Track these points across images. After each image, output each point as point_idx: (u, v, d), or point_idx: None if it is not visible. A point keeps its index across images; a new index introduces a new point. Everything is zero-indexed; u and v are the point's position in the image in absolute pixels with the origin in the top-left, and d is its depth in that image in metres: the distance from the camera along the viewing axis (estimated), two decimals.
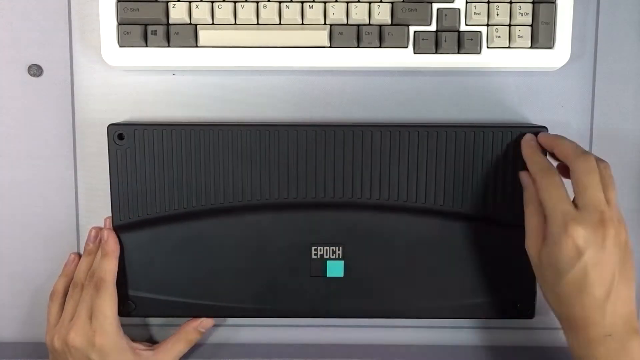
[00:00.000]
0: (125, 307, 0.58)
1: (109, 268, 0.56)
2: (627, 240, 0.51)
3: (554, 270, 0.50)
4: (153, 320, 0.62)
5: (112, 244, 0.57)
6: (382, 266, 0.58)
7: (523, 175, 0.55)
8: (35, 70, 0.59)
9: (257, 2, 0.55)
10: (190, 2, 0.55)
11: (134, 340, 0.58)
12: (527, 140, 0.55)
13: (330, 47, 0.56)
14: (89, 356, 0.54)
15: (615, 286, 0.49)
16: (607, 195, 0.50)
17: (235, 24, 0.56)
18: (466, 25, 0.56)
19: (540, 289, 0.53)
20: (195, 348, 0.61)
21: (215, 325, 0.62)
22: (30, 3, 0.58)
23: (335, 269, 0.58)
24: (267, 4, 0.55)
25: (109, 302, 0.55)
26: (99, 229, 0.59)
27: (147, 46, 0.56)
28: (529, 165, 0.54)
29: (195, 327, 0.59)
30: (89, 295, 0.55)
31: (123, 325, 0.61)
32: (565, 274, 0.49)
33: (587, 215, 0.49)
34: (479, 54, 0.56)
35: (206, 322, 0.59)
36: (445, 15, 0.55)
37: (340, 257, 0.58)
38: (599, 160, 0.51)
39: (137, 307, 0.58)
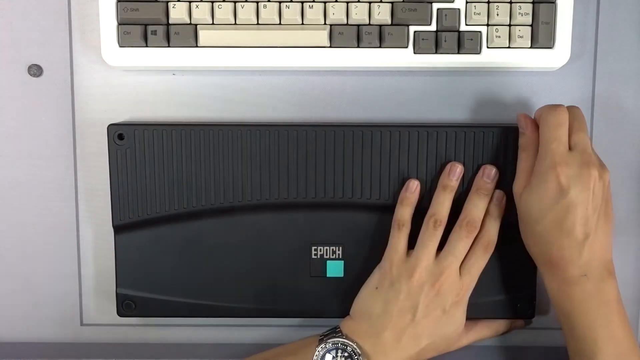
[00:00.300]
0: (125, 307, 0.58)
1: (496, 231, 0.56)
2: (609, 186, 0.52)
3: (536, 208, 0.51)
4: (153, 320, 0.62)
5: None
6: None
7: (521, 117, 0.55)
8: (35, 70, 0.59)
9: (257, 2, 0.55)
10: (190, 2, 0.55)
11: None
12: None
13: (330, 47, 0.56)
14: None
15: (594, 229, 0.51)
16: None
17: (235, 24, 0.56)
18: (466, 25, 0.56)
19: (521, 234, 0.54)
20: (194, 348, 0.61)
21: (216, 325, 0.62)
22: (30, 3, 0.58)
23: (335, 269, 0.58)
24: (267, 4, 0.55)
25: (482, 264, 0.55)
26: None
27: (147, 46, 0.56)
28: (540, 108, 0.54)
29: None
30: (468, 249, 0.55)
31: (123, 325, 0.62)
32: (547, 212, 0.51)
33: (576, 156, 0.51)
34: (479, 54, 0.56)
35: None
36: (445, 15, 0.55)
37: (340, 257, 0.58)
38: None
39: (137, 307, 0.58)
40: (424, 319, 0.53)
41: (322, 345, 0.53)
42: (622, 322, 0.52)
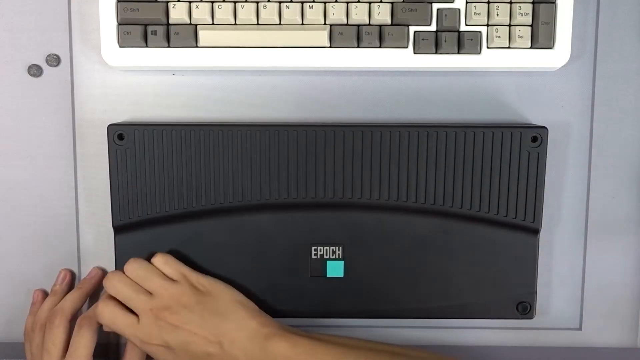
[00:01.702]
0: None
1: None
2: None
3: None
4: None
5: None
6: (382, 266, 0.58)
7: None
8: (35, 71, 0.59)
9: (257, 2, 0.55)
10: (190, 2, 0.55)
11: None
12: None
13: (330, 47, 0.56)
14: None
15: (218, 330, 0.51)
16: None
17: (235, 24, 0.56)
18: (466, 25, 0.56)
19: None
20: None
21: None
22: (30, 3, 0.58)
23: (335, 269, 0.58)
24: (267, 4, 0.55)
25: (87, 342, 0.55)
26: (68, 272, 0.60)
27: (147, 46, 0.56)
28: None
29: None
30: (62, 333, 0.56)
31: None
32: None
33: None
34: (479, 54, 0.56)
35: None
36: (445, 15, 0.55)
37: (340, 257, 0.58)
38: None
39: None
40: None
41: None
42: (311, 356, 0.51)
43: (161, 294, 0.53)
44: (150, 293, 0.53)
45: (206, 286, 0.54)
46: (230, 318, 0.52)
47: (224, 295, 0.54)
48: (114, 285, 0.54)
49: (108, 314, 0.54)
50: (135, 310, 0.53)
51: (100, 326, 0.56)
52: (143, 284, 0.54)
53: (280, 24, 0.56)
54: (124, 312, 0.53)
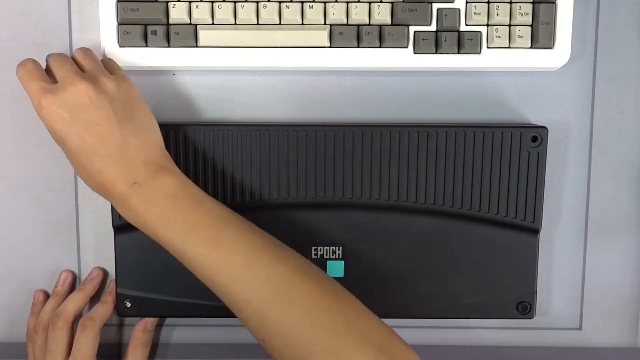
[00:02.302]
0: (125, 307, 0.58)
1: (105, 312, 0.58)
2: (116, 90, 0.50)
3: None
4: None
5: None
6: (382, 266, 0.58)
7: None
8: None
9: (257, 2, 0.55)
10: (190, 2, 0.55)
11: None
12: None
13: (330, 47, 0.56)
14: None
15: (122, 138, 0.49)
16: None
17: (235, 24, 0.56)
18: (466, 25, 0.56)
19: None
20: (194, 348, 0.61)
21: (215, 325, 0.62)
22: (30, 3, 0.58)
23: (335, 269, 0.58)
24: (267, 4, 0.55)
25: (90, 343, 0.55)
26: (69, 273, 0.60)
27: (147, 46, 0.56)
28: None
29: (144, 328, 0.59)
30: (65, 335, 0.56)
31: (123, 325, 0.62)
32: (65, 144, 0.50)
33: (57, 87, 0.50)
34: (479, 54, 0.56)
35: (152, 321, 0.59)
36: (445, 15, 0.55)
37: (340, 257, 0.58)
38: None
39: (137, 307, 0.58)
40: None
41: None
42: (196, 204, 0.50)
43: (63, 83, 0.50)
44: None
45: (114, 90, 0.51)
46: (136, 124, 0.50)
47: (143, 111, 0.51)
48: (25, 66, 0.51)
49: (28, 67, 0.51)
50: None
51: (103, 326, 0.56)
52: (55, 72, 0.51)
53: (280, 23, 0.56)
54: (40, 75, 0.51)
